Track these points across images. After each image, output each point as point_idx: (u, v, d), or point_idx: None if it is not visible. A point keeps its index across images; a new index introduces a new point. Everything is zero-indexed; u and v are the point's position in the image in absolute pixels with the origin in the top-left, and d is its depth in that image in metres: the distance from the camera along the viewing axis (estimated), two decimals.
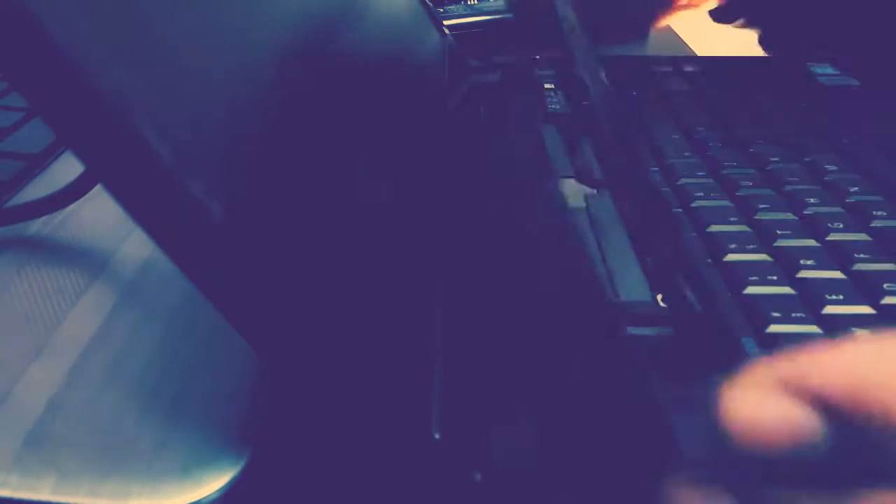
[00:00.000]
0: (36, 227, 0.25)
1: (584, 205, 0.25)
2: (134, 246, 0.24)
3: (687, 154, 0.28)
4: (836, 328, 0.18)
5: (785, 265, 0.21)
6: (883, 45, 0.39)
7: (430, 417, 0.16)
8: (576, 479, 0.16)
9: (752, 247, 0.22)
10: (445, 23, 0.42)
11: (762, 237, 0.22)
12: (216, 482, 0.16)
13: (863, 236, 0.22)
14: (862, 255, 0.21)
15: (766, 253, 0.22)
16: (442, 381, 0.17)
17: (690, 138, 0.30)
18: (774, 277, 0.20)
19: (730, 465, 0.11)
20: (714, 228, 0.23)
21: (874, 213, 0.23)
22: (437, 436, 0.16)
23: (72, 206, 0.26)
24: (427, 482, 0.16)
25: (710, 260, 0.22)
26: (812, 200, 0.24)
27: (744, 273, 0.21)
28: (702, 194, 0.25)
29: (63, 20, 0.10)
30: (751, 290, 0.20)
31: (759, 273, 0.21)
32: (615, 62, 0.40)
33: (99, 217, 0.26)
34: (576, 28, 0.28)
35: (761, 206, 0.24)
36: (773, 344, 0.18)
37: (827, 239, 0.22)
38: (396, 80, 0.27)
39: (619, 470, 0.16)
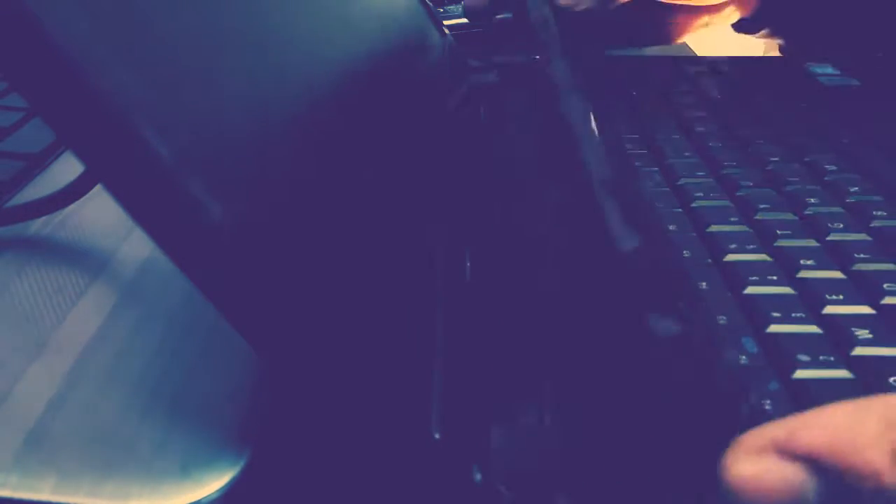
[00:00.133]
0: (36, 227, 0.25)
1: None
2: (134, 246, 0.24)
3: (687, 154, 0.28)
4: (836, 328, 0.18)
5: (785, 265, 0.21)
6: (883, 45, 0.39)
7: (430, 417, 0.16)
8: (576, 479, 0.16)
9: (752, 247, 0.22)
10: (445, 23, 0.42)
11: (762, 237, 0.22)
12: (216, 482, 0.16)
13: (863, 236, 0.22)
14: (862, 255, 0.21)
15: (766, 253, 0.22)
16: (442, 381, 0.17)
17: (690, 138, 0.30)
18: (774, 277, 0.20)
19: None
20: (714, 228, 0.23)
21: (874, 213, 0.23)
22: (437, 436, 0.16)
23: (72, 206, 0.26)
24: (427, 482, 0.16)
25: (710, 260, 0.22)
26: (812, 200, 0.24)
27: (744, 273, 0.21)
28: (702, 194, 0.25)
29: (63, 20, 0.10)
30: (751, 290, 0.20)
31: (759, 273, 0.21)
32: (615, 62, 0.40)
33: (99, 217, 0.26)
34: (551, 27, 0.27)
35: (761, 206, 0.24)
36: (773, 344, 0.18)
37: (827, 239, 0.22)
38: (396, 79, 0.27)
39: (619, 470, 0.16)
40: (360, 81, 0.23)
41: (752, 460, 0.12)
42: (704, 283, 0.20)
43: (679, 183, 0.26)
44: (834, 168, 0.26)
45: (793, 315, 0.19)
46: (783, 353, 0.18)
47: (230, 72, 0.15)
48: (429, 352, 0.18)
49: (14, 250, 0.24)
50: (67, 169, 0.29)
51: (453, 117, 0.33)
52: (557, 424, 0.17)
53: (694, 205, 0.25)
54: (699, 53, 0.48)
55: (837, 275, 0.21)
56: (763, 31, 0.43)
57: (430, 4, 0.37)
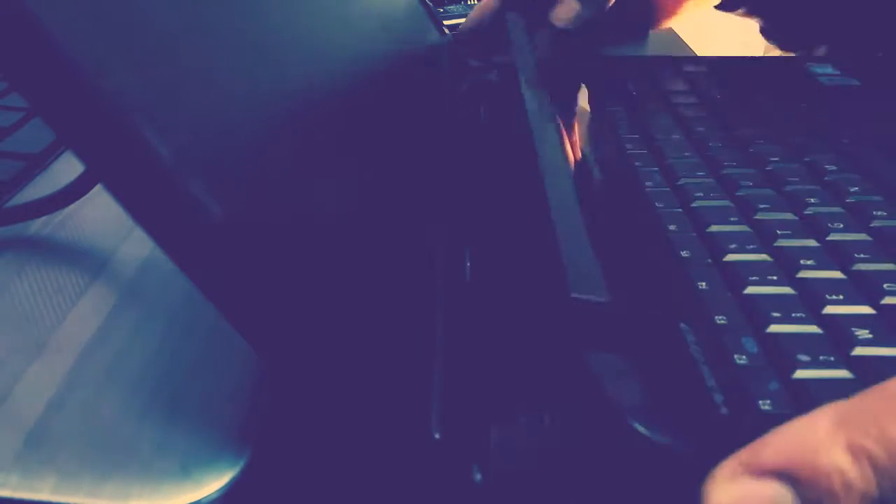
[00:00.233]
0: (36, 227, 0.25)
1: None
2: (134, 246, 0.24)
3: (687, 154, 0.28)
4: (836, 328, 0.18)
5: (785, 265, 0.21)
6: (883, 45, 0.39)
7: (430, 417, 0.16)
8: (575, 480, 0.16)
9: (752, 247, 0.22)
10: (445, 23, 0.42)
11: (762, 237, 0.22)
12: (216, 482, 0.16)
13: (863, 236, 0.22)
14: (862, 255, 0.21)
15: (766, 253, 0.22)
16: (442, 381, 0.17)
17: (690, 138, 0.30)
18: (774, 277, 0.20)
19: None
20: (714, 228, 0.23)
21: (874, 213, 0.23)
22: (437, 436, 0.16)
23: (72, 206, 0.26)
24: (427, 482, 0.16)
25: (710, 260, 0.22)
26: (812, 200, 0.24)
27: (744, 273, 0.21)
28: (702, 194, 0.25)
29: (63, 20, 0.10)
30: (751, 290, 0.20)
31: (759, 273, 0.20)
32: (615, 62, 0.40)
33: (99, 217, 0.26)
34: (524, 48, 0.28)
35: (761, 206, 0.24)
36: (773, 344, 0.18)
37: (827, 239, 0.22)
38: (396, 79, 0.27)
39: (618, 470, 0.16)
40: (360, 81, 0.23)
41: (729, 486, 0.12)
42: (704, 283, 0.20)
43: (679, 183, 0.26)
44: (834, 168, 0.26)
45: (793, 315, 0.19)
46: (783, 353, 0.18)
47: (230, 72, 0.15)
48: (429, 352, 0.18)
49: (14, 250, 0.24)
50: (67, 169, 0.29)
51: (453, 117, 0.33)
52: (557, 424, 0.17)
53: (694, 205, 0.24)
54: (699, 53, 0.48)
55: (837, 275, 0.20)
56: (740, 10, 0.44)
57: (430, 4, 0.37)
